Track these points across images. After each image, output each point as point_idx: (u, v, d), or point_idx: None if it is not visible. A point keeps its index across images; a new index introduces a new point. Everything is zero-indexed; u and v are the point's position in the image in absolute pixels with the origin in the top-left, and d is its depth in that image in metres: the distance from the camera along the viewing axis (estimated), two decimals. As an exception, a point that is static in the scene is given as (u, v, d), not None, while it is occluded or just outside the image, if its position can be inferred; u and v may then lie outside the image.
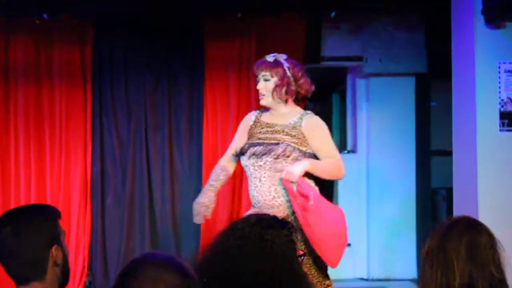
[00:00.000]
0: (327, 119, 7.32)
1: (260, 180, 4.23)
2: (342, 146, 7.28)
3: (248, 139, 4.31)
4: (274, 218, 2.22)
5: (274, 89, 4.26)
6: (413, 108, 6.78)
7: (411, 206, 6.76)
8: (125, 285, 1.69)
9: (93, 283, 6.49)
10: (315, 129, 4.38)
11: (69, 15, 6.42)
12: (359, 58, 6.76)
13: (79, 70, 6.49)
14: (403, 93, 6.77)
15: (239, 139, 4.41)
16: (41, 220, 2.34)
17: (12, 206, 6.21)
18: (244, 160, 4.29)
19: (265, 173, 4.24)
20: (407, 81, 6.78)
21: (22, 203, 6.23)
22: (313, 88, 4.43)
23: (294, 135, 4.28)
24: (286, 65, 4.37)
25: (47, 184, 6.44)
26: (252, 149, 4.24)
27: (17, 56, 6.46)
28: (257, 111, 4.44)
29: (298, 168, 4.11)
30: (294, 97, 4.32)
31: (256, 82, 4.31)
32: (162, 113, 6.58)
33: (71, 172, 6.44)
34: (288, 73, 4.33)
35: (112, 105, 6.56)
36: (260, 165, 4.26)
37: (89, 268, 6.48)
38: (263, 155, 4.25)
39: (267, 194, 4.25)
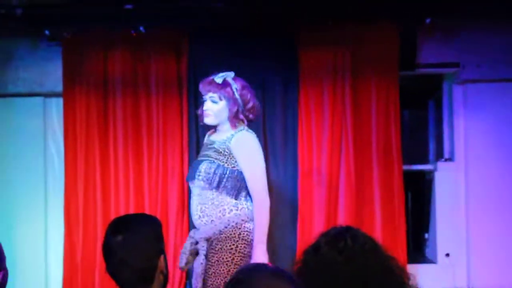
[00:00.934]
0: (423, 127, 7.31)
1: (191, 198, 4.50)
2: (439, 154, 7.20)
3: None
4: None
5: (220, 114, 4.42)
6: (513, 115, 6.65)
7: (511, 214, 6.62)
8: None
9: (191, 292, 6.56)
10: (240, 146, 4.45)
11: (164, 27, 6.56)
12: (456, 65, 6.67)
13: (175, 80, 6.62)
14: (503, 100, 6.65)
15: None
16: (151, 229, 2.45)
17: (112, 215, 6.40)
18: None
19: (194, 190, 4.44)
20: (507, 87, 6.65)
21: (121, 212, 6.40)
22: (259, 111, 4.73)
23: (221, 152, 4.37)
24: (234, 86, 4.47)
25: (145, 194, 6.59)
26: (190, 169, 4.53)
27: (115, 68, 6.63)
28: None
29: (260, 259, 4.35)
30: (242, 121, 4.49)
31: (201, 101, 4.48)
32: (257, 123, 6.61)
33: (168, 182, 6.56)
34: (237, 95, 4.43)
35: (208, 115, 6.64)
36: (193, 183, 4.46)
37: (187, 277, 6.57)
38: (193, 173, 4.42)
39: (194, 213, 4.49)
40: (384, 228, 6.39)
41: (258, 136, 6.53)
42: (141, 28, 6.49)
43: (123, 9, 6.12)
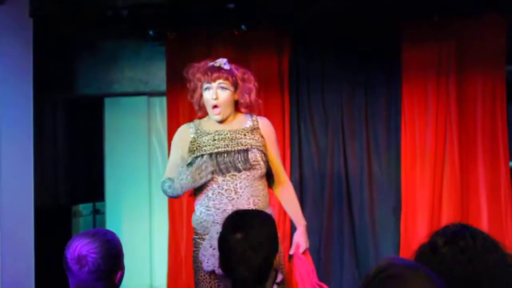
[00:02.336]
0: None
1: (236, 192, 3.86)
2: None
3: (194, 152, 3.93)
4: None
5: (230, 103, 3.99)
6: None
7: None
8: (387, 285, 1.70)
9: (291, 289, 6.63)
10: (269, 128, 4.14)
11: (267, 26, 6.64)
12: None
13: (276, 79, 6.72)
14: None
15: (176, 154, 4.05)
16: (269, 228, 2.46)
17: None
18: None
19: (240, 182, 3.87)
20: None
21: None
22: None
23: (254, 138, 3.99)
24: (237, 71, 4.15)
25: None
26: (217, 160, 3.87)
27: (218, 66, 6.72)
28: (188, 123, 4.17)
29: (305, 238, 4.13)
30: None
31: (202, 90, 4.02)
32: (359, 120, 6.67)
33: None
34: (241, 83, 4.08)
35: (309, 112, 6.74)
36: (234, 175, 3.89)
37: (289, 273, 6.63)
38: (236, 163, 3.90)
39: (245, 206, 3.83)
40: (490, 225, 6.31)
41: (360, 136, 6.61)
42: (243, 27, 6.58)
43: (225, 8, 6.25)
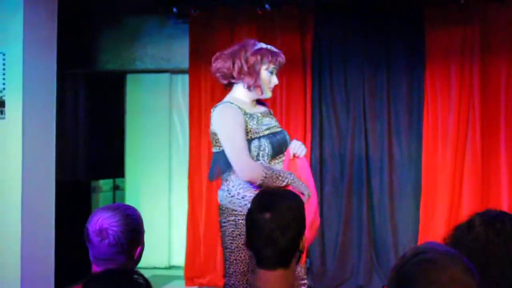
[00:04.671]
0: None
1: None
2: None
3: (249, 133, 3.86)
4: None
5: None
6: None
7: None
8: (424, 271, 1.65)
9: (310, 269, 6.71)
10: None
11: (290, 5, 6.69)
12: None
13: (299, 58, 6.76)
14: None
15: (244, 135, 3.87)
16: (297, 208, 2.43)
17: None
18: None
19: (278, 164, 3.93)
20: None
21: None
22: None
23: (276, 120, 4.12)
24: None
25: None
26: (276, 144, 3.90)
27: (240, 45, 6.76)
28: (228, 103, 3.95)
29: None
30: None
31: (264, 71, 3.94)
32: (381, 102, 6.70)
33: (291, 159, 6.66)
34: None
35: (331, 94, 6.77)
36: (280, 156, 3.96)
37: (307, 255, 6.69)
38: (285, 144, 3.98)
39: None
40: (511, 209, 6.27)
41: (381, 118, 6.62)
42: (267, 6, 6.61)
43: (249, -13, 6.27)
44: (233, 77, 4.00)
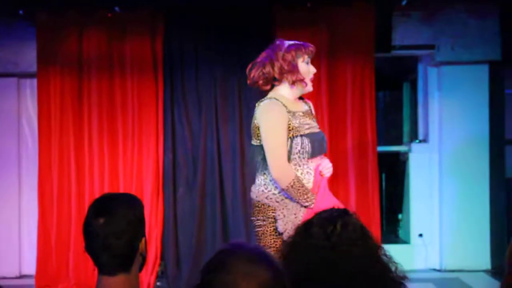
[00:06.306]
0: (398, 108, 7.50)
1: (310, 174, 4.03)
2: (413, 135, 7.40)
3: (291, 130, 3.98)
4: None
5: None
6: (487, 97, 6.91)
7: (485, 196, 6.89)
8: (216, 279, 1.69)
9: (165, 273, 6.75)
10: (314, 111, 4.39)
11: (141, 8, 6.70)
12: (431, 47, 6.91)
13: (150, 62, 6.79)
14: (476, 82, 6.90)
15: (285, 134, 3.99)
16: (133, 212, 2.42)
17: (87, 198, 6.56)
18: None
19: (311, 165, 4.04)
20: (480, 69, 6.91)
21: (96, 195, 6.51)
22: None
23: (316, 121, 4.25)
24: None
25: (120, 175, 6.76)
26: (316, 143, 4.03)
27: (90, 49, 6.80)
28: (273, 99, 4.05)
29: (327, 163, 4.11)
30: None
31: (302, 62, 4.15)
32: (233, 103, 6.80)
33: (143, 162, 6.73)
34: None
35: (183, 96, 6.83)
36: (320, 157, 4.11)
37: (162, 258, 6.73)
38: (324, 146, 4.15)
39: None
40: (358, 209, 6.59)
41: (233, 120, 6.72)
42: (117, 9, 6.61)
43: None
44: (275, 79, 4.17)
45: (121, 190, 6.67)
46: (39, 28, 6.78)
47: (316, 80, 6.60)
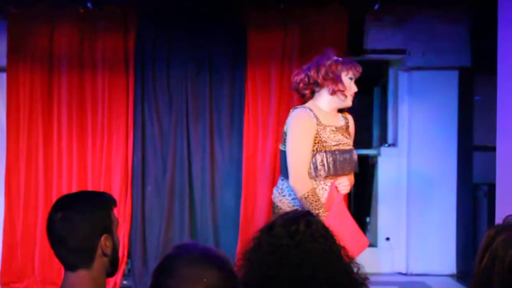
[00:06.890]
0: (368, 112, 7.56)
1: (326, 190, 4.19)
2: (382, 140, 7.46)
3: (317, 144, 4.15)
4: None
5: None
6: (456, 103, 6.99)
7: (452, 201, 6.95)
8: (163, 285, 1.73)
9: (132, 271, 6.74)
10: (353, 130, 4.52)
11: (112, 4, 6.70)
12: (402, 51, 6.98)
13: (122, 58, 6.79)
14: (446, 87, 6.98)
15: (310, 145, 4.15)
16: (93, 208, 2.44)
17: (54, 193, 6.53)
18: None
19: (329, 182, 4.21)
20: (450, 75, 6.98)
21: (64, 190, 6.55)
22: None
23: (350, 137, 4.38)
24: None
25: (89, 172, 6.75)
26: (340, 162, 4.18)
27: (61, 44, 6.79)
28: (307, 109, 4.24)
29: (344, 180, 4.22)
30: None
31: (349, 78, 4.28)
32: (203, 102, 6.82)
33: (112, 159, 6.72)
34: None
35: (153, 94, 6.84)
36: (345, 174, 4.25)
37: (129, 256, 6.71)
38: (348, 165, 4.24)
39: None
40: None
41: (204, 118, 6.74)
42: (89, 4, 6.60)
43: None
44: (316, 85, 4.27)
45: (89, 186, 6.67)
46: (10, 22, 6.74)
47: (287, 81, 6.65)
